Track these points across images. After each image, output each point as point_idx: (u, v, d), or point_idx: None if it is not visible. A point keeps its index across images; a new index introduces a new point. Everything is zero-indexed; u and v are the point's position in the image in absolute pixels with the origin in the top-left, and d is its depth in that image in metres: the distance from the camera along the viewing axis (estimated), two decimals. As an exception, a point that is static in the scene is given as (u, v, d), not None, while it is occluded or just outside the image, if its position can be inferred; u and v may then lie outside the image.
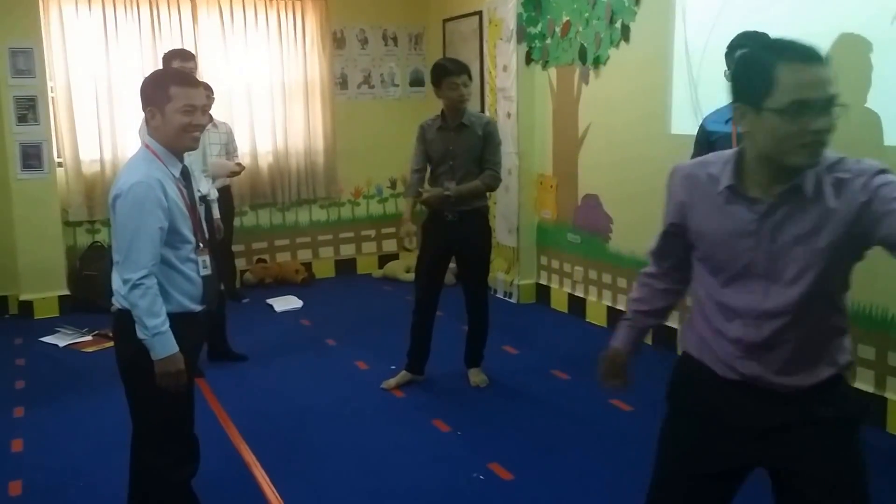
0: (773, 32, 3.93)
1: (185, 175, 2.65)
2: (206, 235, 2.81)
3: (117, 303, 2.56)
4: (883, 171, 1.69)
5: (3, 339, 5.61)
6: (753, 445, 1.85)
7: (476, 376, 4.55)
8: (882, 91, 3.68)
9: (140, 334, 2.45)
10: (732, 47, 3.42)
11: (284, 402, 4.39)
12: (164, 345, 2.45)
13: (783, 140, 1.66)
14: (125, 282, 2.43)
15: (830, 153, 1.73)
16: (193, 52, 5.95)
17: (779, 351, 1.79)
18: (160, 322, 2.44)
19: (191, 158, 2.89)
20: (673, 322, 5.27)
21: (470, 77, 4.35)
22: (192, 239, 2.61)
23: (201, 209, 2.89)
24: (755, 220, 1.76)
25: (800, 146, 1.66)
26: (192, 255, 2.61)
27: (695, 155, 3.65)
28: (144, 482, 2.70)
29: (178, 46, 6.09)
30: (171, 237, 2.52)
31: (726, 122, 3.52)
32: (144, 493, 2.73)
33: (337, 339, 5.45)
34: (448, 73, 4.27)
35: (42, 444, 3.88)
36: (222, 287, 4.35)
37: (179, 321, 2.54)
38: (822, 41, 3.76)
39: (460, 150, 4.32)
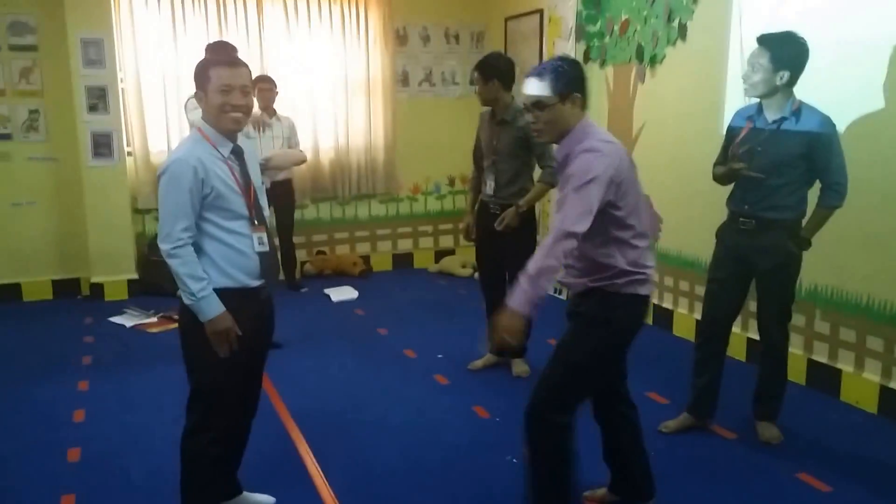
0: (827, 31, 3.98)
1: (238, 154, 2.73)
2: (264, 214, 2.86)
3: None
4: None
5: (74, 318, 5.93)
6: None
7: (518, 367, 4.63)
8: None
9: (186, 300, 2.59)
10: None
11: (333, 385, 4.55)
12: (209, 306, 2.59)
13: None
14: (164, 252, 2.58)
15: None
16: (254, 45, 6.18)
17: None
18: (202, 286, 2.57)
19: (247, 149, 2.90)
20: (668, 304, 5.31)
21: (483, 75, 4.35)
22: (245, 214, 2.69)
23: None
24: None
25: None
26: (246, 231, 2.69)
27: (724, 146, 3.70)
28: (182, 450, 2.78)
29: (242, 40, 6.36)
30: (219, 213, 2.63)
31: (747, 118, 3.56)
32: (182, 463, 2.81)
33: (389, 329, 5.60)
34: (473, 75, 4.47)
35: (102, 416, 4.10)
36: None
37: (236, 296, 2.66)
38: (874, 43, 3.80)
39: (501, 144, 4.39)
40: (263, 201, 2.83)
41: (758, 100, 3.52)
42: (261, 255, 2.73)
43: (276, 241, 2.87)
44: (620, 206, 2.61)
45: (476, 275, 7.06)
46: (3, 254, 6.42)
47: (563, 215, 2.52)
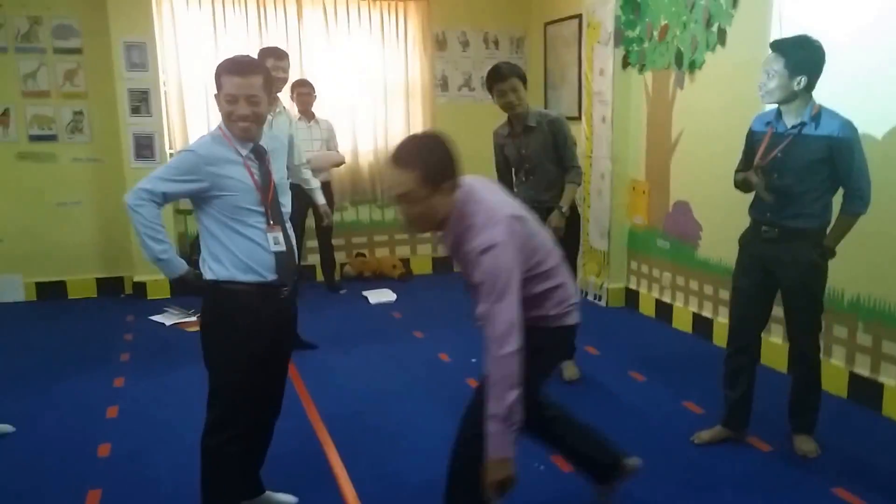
0: (864, 37, 3.91)
1: (259, 154, 2.76)
2: (285, 214, 2.90)
3: (205, 273, 2.75)
4: None
5: (116, 316, 6.05)
6: None
7: (569, 370, 4.60)
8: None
9: (146, 257, 2.69)
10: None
11: (364, 385, 4.58)
12: (170, 268, 2.70)
13: None
14: (127, 206, 2.65)
15: None
16: (293, 49, 6.23)
17: None
18: (161, 250, 2.65)
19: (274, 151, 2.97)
20: (708, 313, 5.24)
21: (522, 80, 4.33)
22: (260, 212, 2.72)
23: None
24: None
25: None
26: (261, 223, 2.72)
27: (744, 152, 3.67)
28: (202, 448, 2.80)
29: (282, 43, 6.42)
30: (235, 210, 2.67)
31: (766, 124, 3.51)
32: (202, 461, 2.82)
33: (425, 332, 5.61)
34: (495, 80, 4.31)
35: (134, 413, 4.19)
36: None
37: (258, 293, 2.71)
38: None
39: (532, 152, 4.39)
40: (286, 200, 2.86)
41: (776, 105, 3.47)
42: (276, 254, 2.75)
43: (295, 243, 2.87)
44: (532, 266, 2.50)
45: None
46: (49, 252, 6.57)
47: (493, 329, 2.32)
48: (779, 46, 3.33)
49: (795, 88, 3.30)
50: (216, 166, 2.65)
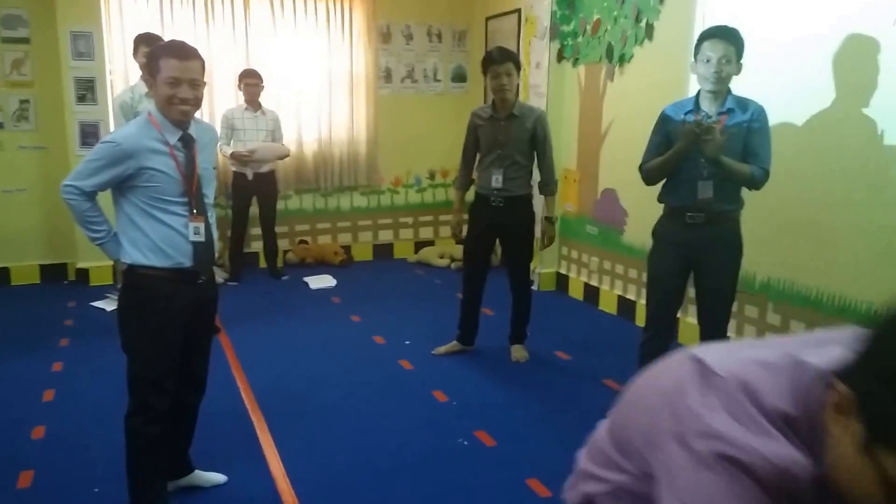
0: (784, 33, 4.13)
1: (187, 142, 2.76)
2: (208, 205, 2.89)
3: (122, 258, 2.79)
4: None
5: (58, 302, 6.10)
6: None
7: (518, 352, 4.81)
8: (885, 92, 3.77)
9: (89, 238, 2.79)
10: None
11: (299, 367, 4.70)
12: (107, 252, 2.80)
13: None
14: (64, 192, 2.72)
15: None
16: (240, 40, 6.26)
17: None
18: (97, 237, 2.75)
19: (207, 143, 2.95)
20: (632, 295, 5.46)
21: (517, 66, 4.41)
22: (183, 202, 2.75)
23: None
24: None
25: None
26: (183, 212, 2.75)
27: (651, 139, 3.73)
28: (125, 431, 2.85)
29: (229, 34, 6.50)
30: (156, 197, 2.70)
31: (686, 113, 3.57)
32: (126, 444, 2.87)
33: (362, 316, 5.76)
34: (492, 62, 4.37)
35: (71, 396, 4.23)
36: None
37: (173, 277, 2.75)
38: (829, 42, 3.94)
39: (508, 140, 4.45)
40: (210, 191, 2.87)
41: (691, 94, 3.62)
42: (195, 244, 2.78)
43: (216, 234, 2.90)
44: None
45: (453, 265, 7.25)
46: (-8, 239, 6.58)
47: None
48: (728, 33, 3.42)
49: (735, 75, 3.46)
50: (139, 158, 2.66)
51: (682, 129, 3.46)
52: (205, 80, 2.79)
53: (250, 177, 6.55)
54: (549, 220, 4.64)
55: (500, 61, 4.34)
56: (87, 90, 6.42)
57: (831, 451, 1.00)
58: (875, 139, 3.80)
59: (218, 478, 3.26)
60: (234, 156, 6.34)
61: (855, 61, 3.87)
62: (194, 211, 2.78)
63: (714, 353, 1.11)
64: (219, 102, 6.82)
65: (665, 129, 3.66)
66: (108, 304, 5.94)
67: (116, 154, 2.66)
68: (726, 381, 1.05)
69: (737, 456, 0.99)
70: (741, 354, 1.11)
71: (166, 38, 6.57)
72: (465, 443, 3.69)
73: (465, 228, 4.76)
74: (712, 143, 3.33)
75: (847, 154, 3.95)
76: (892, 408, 0.90)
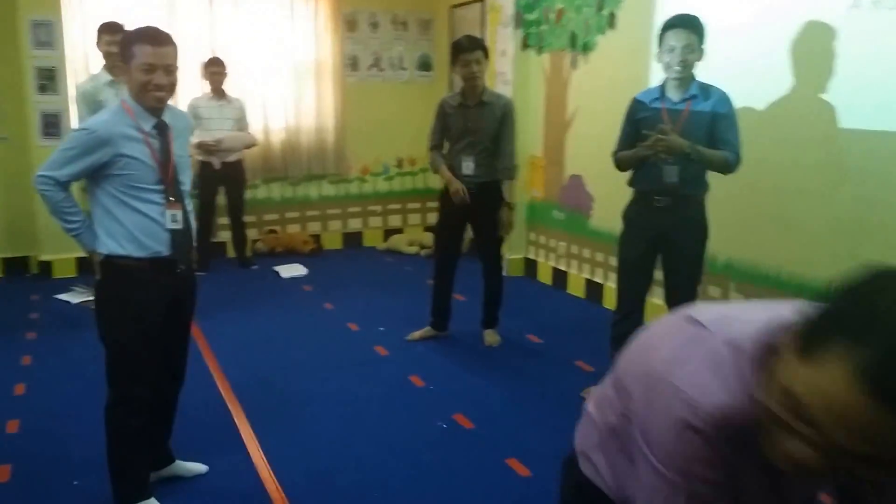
0: (742, 22, 4.25)
1: (161, 130, 2.74)
2: (184, 192, 2.87)
3: (98, 248, 2.77)
4: None
5: (21, 296, 6.02)
6: None
7: (491, 337, 4.90)
8: (842, 77, 3.89)
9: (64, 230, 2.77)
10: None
11: (274, 355, 4.73)
12: (81, 243, 2.78)
13: None
14: (36, 183, 2.70)
15: None
16: (204, 28, 6.24)
17: None
18: (71, 228, 2.73)
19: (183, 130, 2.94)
20: (599, 278, 5.60)
21: (486, 54, 4.46)
22: (159, 190, 2.73)
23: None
24: None
25: None
26: (162, 202, 2.74)
27: (623, 128, 3.84)
28: (105, 423, 2.85)
29: (193, 22, 6.48)
30: (132, 185, 2.69)
31: (652, 101, 3.69)
32: (107, 436, 2.87)
33: (334, 304, 5.81)
34: (461, 50, 4.41)
35: (43, 389, 4.20)
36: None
37: (150, 267, 2.74)
38: (788, 29, 4.06)
39: (478, 127, 4.52)
40: (185, 178, 2.85)
41: (657, 82, 3.73)
42: (173, 231, 2.78)
43: (194, 222, 2.92)
44: None
45: (423, 252, 7.32)
46: (-48, 232, 6.47)
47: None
48: (690, 22, 3.51)
49: (698, 61, 3.56)
50: (114, 145, 2.65)
51: (643, 146, 3.58)
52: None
53: (217, 166, 6.54)
54: (508, 205, 4.70)
55: (470, 49, 4.39)
56: (49, 80, 6.33)
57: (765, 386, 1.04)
58: (833, 124, 3.93)
59: (199, 467, 3.28)
60: (200, 145, 6.30)
61: (812, 46, 4.00)
62: (171, 198, 2.77)
63: (707, 313, 1.21)
64: (183, 91, 6.75)
65: (634, 118, 3.77)
66: (74, 297, 5.90)
67: (91, 142, 2.65)
68: (714, 335, 1.14)
69: (690, 421, 1.09)
70: (729, 312, 1.20)
71: (129, 27, 6.55)
72: (444, 426, 3.76)
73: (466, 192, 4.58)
74: (672, 142, 3.48)
75: (805, 139, 4.09)
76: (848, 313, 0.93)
